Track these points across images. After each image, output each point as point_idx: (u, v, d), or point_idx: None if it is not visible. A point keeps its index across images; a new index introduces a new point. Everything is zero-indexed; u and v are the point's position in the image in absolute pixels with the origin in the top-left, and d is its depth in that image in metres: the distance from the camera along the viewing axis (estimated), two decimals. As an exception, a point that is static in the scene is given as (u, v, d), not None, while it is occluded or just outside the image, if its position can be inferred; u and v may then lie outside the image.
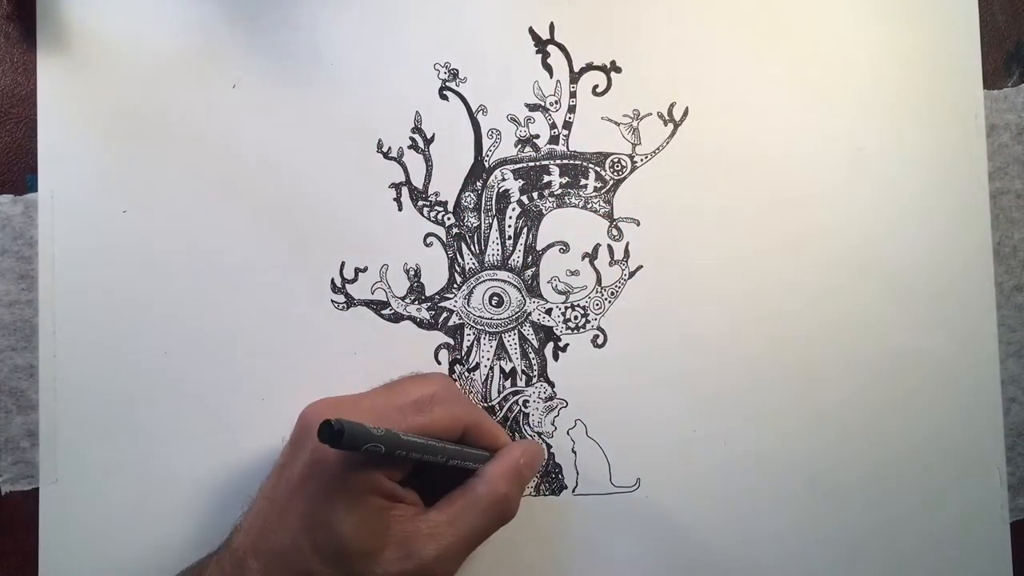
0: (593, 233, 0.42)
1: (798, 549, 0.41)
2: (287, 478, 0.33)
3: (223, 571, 0.33)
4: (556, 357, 0.41)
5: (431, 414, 0.35)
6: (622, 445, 0.41)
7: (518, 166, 0.41)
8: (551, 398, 0.41)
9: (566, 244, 0.42)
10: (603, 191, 0.42)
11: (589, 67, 0.42)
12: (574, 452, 0.41)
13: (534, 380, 0.41)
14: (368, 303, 0.41)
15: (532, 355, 0.41)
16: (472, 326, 0.41)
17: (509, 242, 0.41)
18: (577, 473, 0.41)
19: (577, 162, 0.42)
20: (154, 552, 0.39)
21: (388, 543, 0.32)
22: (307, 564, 0.32)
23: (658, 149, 0.42)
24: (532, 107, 0.41)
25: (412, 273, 0.41)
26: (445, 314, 0.41)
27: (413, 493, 0.34)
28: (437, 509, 0.34)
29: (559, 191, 0.42)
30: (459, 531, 0.34)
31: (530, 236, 0.41)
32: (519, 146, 0.41)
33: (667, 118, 0.42)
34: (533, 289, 0.41)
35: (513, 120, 0.41)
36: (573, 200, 0.42)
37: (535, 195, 0.41)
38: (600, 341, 0.41)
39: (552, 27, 0.41)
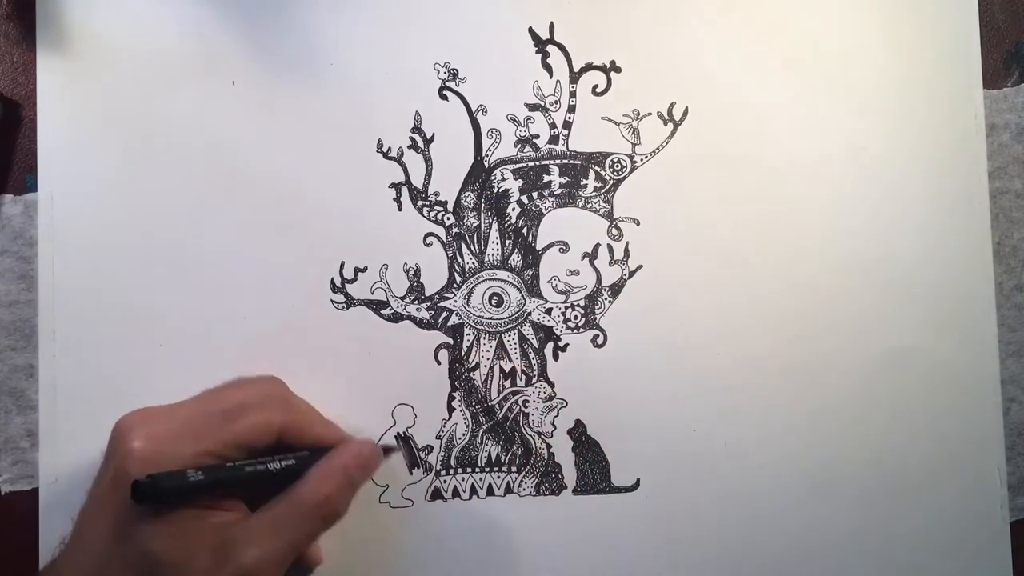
0: (593, 233, 0.42)
1: (797, 549, 0.41)
2: (95, 494, 0.33)
3: None
4: (556, 357, 0.41)
5: (241, 422, 0.33)
6: (622, 445, 0.41)
7: (518, 166, 0.41)
8: (551, 398, 0.41)
9: (566, 244, 0.42)
10: (603, 191, 0.42)
11: (589, 67, 0.42)
12: (574, 452, 0.41)
13: (534, 380, 0.41)
14: (368, 303, 0.41)
15: (532, 355, 0.41)
16: (472, 326, 0.41)
17: (509, 242, 0.41)
18: (577, 473, 0.41)
19: (577, 162, 0.42)
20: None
21: (201, 551, 0.31)
22: None
23: (658, 149, 0.42)
24: (532, 107, 0.41)
25: (412, 273, 0.41)
26: (445, 314, 0.41)
27: (234, 500, 0.33)
28: (258, 515, 0.33)
29: (559, 191, 0.42)
30: (280, 537, 0.33)
31: (530, 236, 0.41)
32: (519, 146, 0.41)
33: (667, 118, 0.42)
34: (533, 289, 0.41)
35: (513, 120, 0.41)
36: (573, 200, 0.42)
37: (535, 195, 0.41)
38: (600, 341, 0.41)
39: (552, 27, 0.41)
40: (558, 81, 0.41)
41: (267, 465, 0.34)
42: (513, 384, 0.41)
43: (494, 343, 0.41)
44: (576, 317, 0.41)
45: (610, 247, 0.41)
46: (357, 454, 0.36)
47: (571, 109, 0.41)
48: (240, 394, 0.35)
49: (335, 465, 0.35)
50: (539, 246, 0.41)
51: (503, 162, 0.41)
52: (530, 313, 0.41)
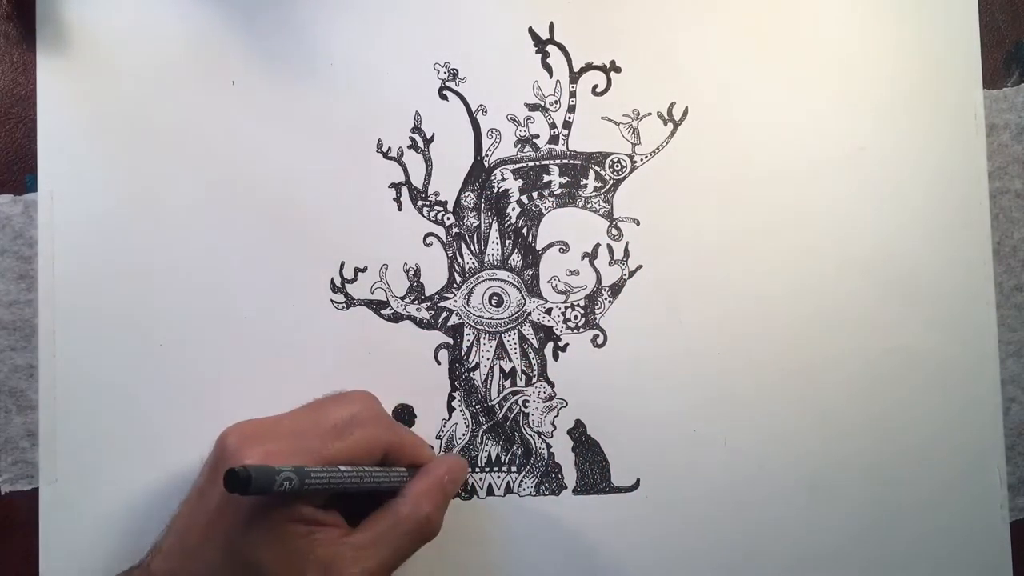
0: (593, 233, 0.42)
1: (797, 548, 0.41)
2: (205, 505, 0.33)
3: None
4: (556, 357, 0.41)
5: (351, 438, 0.34)
6: (622, 445, 0.41)
7: (518, 166, 0.41)
8: (551, 398, 0.41)
9: (566, 244, 0.42)
10: (603, 191, 0.42)
11: (589, 67, 0.42)
12: (574, 452, 0.41)
13: (534, 380, 0.41)
14: (368, 303, 0.41)
15: (532, 355, 0.41)
16: (472, 326, 0.41)
17: (509, 242, 0.41)
18: (577, 473, 0.41)
19: (577, 162, 0.42)
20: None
21: (309, 568, 0.32)
22: None
23: (658, 149, 0.42)
24: (532, 107, 0.41)
25: (412, 273, 0.41)
26: (445, 314, 0.41)
27: (335, 515, 0.34)
28: (361, 530, 0.34)
29: (559, 191, 0.42)
30: (382, 552, 0.34)
31: (530, 236, 0.41)
32: (519, 146, 0.41)
33: (667, 118, 0.42)
34: (533, 289, 0.41)
35: (513, 120, 0.41)
36: (573, 200, 0.42)
37: (535, 195, 0.41)
38: (600, 341, 0.41)
39: (552, 27, 0.41)
40: (558, 81, 0.41)
41: (375, 481, 0.35)
42: (513, 384, 0.41)
43: (494, 343, 0.41)
44: (576, 317, 0.41)
45: (610, 247, 0.41)
46: (452, 469, 0.37)
47: (571, 109, 0.41)
48: (348, 409, 0.36)
49: (433, 482, 0.36)
50: (539, 246, 0.41)
51: (503, 162, 0.41)
52: (530, 313, 0.41)
